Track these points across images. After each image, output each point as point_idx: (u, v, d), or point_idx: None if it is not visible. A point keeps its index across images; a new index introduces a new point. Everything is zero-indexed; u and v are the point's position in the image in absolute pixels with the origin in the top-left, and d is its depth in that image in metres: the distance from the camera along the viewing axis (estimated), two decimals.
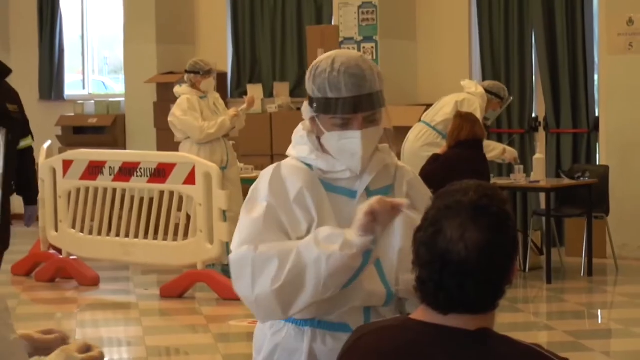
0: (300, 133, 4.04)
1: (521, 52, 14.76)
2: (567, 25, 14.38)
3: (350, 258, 3.69)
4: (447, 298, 2.98)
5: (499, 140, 14.53)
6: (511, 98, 13.15)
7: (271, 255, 3.75)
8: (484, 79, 14.72)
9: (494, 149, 11.87)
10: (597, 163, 13.97)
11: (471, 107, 12.08)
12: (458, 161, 10.79)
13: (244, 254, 3.80)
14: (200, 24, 16.97)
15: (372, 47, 14.98)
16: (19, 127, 8.71)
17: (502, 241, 2.99)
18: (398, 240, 3.87)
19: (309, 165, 4.00)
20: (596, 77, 14.40)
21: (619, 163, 13.44)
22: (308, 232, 3.88)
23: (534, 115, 14.83)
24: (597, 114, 14.28)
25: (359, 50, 14.90)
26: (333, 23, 15.58)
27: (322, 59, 3.98)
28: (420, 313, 3.07)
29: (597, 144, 14.23)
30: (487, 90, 12.60)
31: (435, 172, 10.50)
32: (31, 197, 9.10)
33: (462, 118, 11.55)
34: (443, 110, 12.42)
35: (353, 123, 3.90)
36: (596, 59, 14.38)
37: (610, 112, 13.87)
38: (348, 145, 3.93)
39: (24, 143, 8.74)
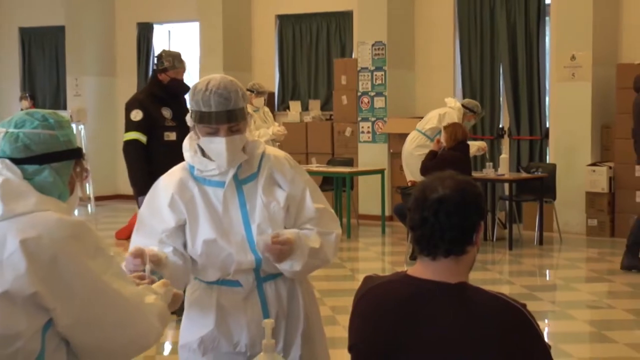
0: (186, 142, 4.04)
1: (492, 79, 14.72)
2: (526, 59, 14.32)
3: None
4: (433, 242, 2.99)
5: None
6: (483, 112, 13.12)
7: None
8: (463, 97, 14.71)
9: (471, 147, 11.84)
10: (547, 162, 13.92)
11: (451, 119, 12.02)
12: (450, 159, 10.79)
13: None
14: (255, 56, 16.96)
15: (382, 75, 14.93)
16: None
17: (467, 188, 3.03)
18: (255, 219, 3.89)
19: (192, 167, 4.03)
20: (547, 98, 14.33)
21: (563, 162, 13.40)
22: (180, 227, 3.94)
23: (500, 125, 14.76)
24: (547, 125, 14.23)
25: (371, 77, 14.95)
26: (353, 56, 15.55)
27: (200, 81, 3.94)
28: (416, 270, 3.07)
29: (547, 147, 14.18)
30: (464, 106, 12.54)
31: (433, 166, 10.54)
32: None
33: (450, 126, 11.60)
34: (430, 120, 12.41)
35: (220, 131, 3.86)
36: (547, 85, 14.32)
37: (557, 124, 13.82)
38: (216, 149, 3.90)
39: None
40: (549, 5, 14.19)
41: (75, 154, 3.08)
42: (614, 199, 12.99)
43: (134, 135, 8.25)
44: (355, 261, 12.39)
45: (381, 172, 14.12)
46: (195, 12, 16.96)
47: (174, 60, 8.35)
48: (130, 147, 8.30)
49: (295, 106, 15.72)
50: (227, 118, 3.86)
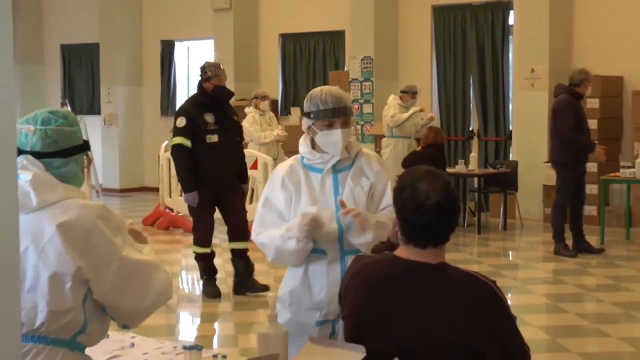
0: (301, 139, 4.23)
1: (463, 88, 14.73)
2: (493, 72, 14.34)
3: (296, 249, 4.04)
4: (425, 235, 3.03)
5: (449, 144, 14.54)
6: (415, 88, 13.36)
7: (264, 243, 4.12)
8: (439, 105, 14.79)
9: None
10: (510, 159, 13.93)
11: (388, 108, 13.08)
12: (428, 156, 11.10)
13: (254, 240, 4.22)
14: (261, 68, 16.97)
15: (370, 85, 14.95)
16: (241, 132, 8.90)
17: (452, 192, 3.07)
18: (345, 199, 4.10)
19: (303, 157, 4.23)
20: (510, 105, 14.34)
21: (524, 159, 13.43)
22: (291, 201, 4.17)
23: (470, 128, 14.77)
24: (510, 128, 14.24)
25: (361, 87, 14.98)
26: (345, 69, 15.54)
27: (314, 90, 4.21)
28: (403, 252, 3.09)
29: (510, 147, 14.21)
30: (401, 91, 13.26)
31: (413, 162, 10.83)
32: (245, 179, 8.78)
33: (430, 129, 11.86)
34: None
35: (336, 124, 4.08)
36: (510, 94, 14.34)
37: (519, 127, 13.84)
38: (333, 140, 4.10)
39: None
40: (512, 26, 14.21)
41: (87, 147, 3.11)
42: None
43: (178, 140, 8.21)
44: None
45: None
46: (210, 31, 16.98)
47: (215, 69, 8.36)
48: (176, 151, 8.28)
49: (295, 111, 15.70)
50: (343, 113, 4.11)
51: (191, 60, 18.30)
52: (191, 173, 8.07)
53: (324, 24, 16.09)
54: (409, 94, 13.09)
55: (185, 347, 3.14)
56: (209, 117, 8.22)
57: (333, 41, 16.16)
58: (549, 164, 13.08)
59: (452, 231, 3.07)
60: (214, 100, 8.31)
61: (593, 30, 13.56)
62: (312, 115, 4.11)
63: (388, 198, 4.12)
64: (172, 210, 13.15)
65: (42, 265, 2.85)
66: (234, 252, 8.60)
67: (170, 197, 13.11)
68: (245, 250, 8.54)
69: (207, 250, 8.58)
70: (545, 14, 13.42)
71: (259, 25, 17.01)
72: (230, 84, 16.60)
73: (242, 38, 16.77)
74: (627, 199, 12.21)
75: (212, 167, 8.17)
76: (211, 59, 16.91)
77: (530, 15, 13.62)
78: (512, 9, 14.17)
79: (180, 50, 18.28)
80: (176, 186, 13.08)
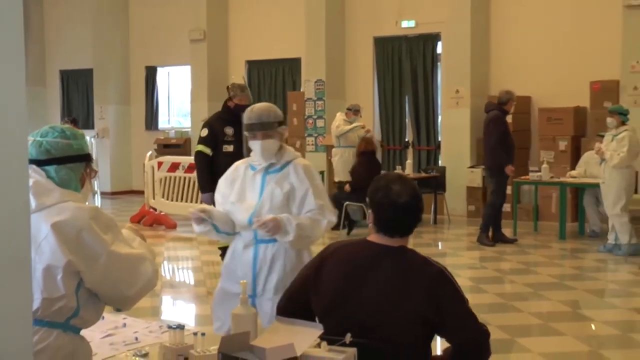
0: None
1: (400, 105, 14.78)
2: (425, 92, 14.42)
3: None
4: (395, 227, 3.11)
5: (389, 153, 14.59)
6: (358, 107, 13.16)
7: None
8: (380, 121, 14.83)
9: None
10: (439, 165, 14.01)
11: (336, 123, 12.92)
12: (365, 162, 11.21)
13: None
14: None
15: (322, 103, 14.94)
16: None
17: (419, 194, 3.18)
18: (262, 196, 4.29)
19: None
20: (439, 119, 14.42)
21: (451, 165, 13.50)
22: (229, 191, 4.39)
23: (406, 139, 14.83)
24: (439, 139, 14.33)
25: (314, 105, 14.97)
26: (302, 90, 15.54)
27: (250, 108, 4.39)
28: (374, 238, 3.15)
29: (439, 155, 14.29)
30: (347, 109, 13.12)
31: (356, 167, 11.10)
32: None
33: (362, 139, 11.94)
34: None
35: (257, 136, 4.29)
36: (439, 110, 14.42)
37: (446, 138, 13.92)
38: (255, 147, 4.32)
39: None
40: (440, 54, 14.30)
41: (85, 158, 3.07)
42: (486, 191, 13.11)
43: (199, 147, 8.04)
44: None
45: (322, 172, 14.12)
46: (188, 59, 16.91)
47: (237, 90, 8.13)
48: (197, 157, 8.10)
49: None
50: (260, 127, 4.27)
51: (171, 83, 18.20)
52: (208, 176, 7.90)
53: (283, 52, 16.07)
54: (352, 111, 13.09)
55: (169, 327, 3.11)
56: (229, 130, 8.00)
57: (291, 67, 16.12)
58: (472, 169, 13.22)
59: (417, 225, 3.17)
60: (234, 116, 8.07)
61: (506, 58, 13.69)
62: (245, 128, 4.37)
63: (310, 203, 4.23)
64: (155, 209, 13.06)
65: (38, 259, 2.82)
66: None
67: (154, 198, 13.03)
68: None
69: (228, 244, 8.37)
70: (467, 44, 13.54)
71: (229, 54, 16.96)
72: (203, 104, 16.70)
73: (214, 64, 16.69)
74: (535, 197, 12.34)
75: None
76: (189, 82, 16.91)
77: (455, 45, 13.72)
78: (439, 40, 14.27)
79: (162, 74, 18.13)
80: (159, 189, 13.00)
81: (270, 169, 4.31)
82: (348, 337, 2.85)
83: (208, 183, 8.00)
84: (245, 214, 4.23)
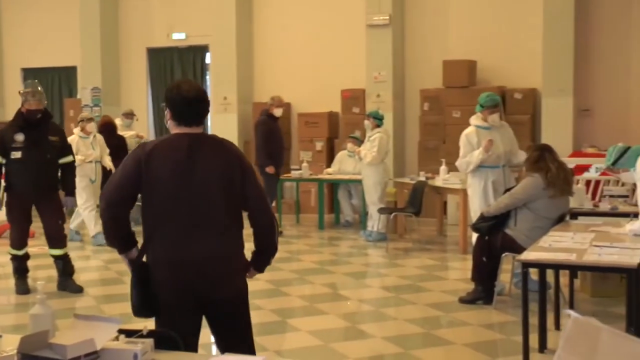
0: None
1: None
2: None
3: None
4: (191, 117, 3.45)
5: None
6: (135, 113, 12.81)
7: None
8: (154, 126, 14.56)
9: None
10: None
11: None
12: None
13: None
14: (6, 98, 15.90)
15: (99, 109, 14.40)
16: (58, 150, 7.51)
17: (204, 89, 3.58)
18: None
19: None
20: (209, 124, 14.42)
21: None
22: None
23: None
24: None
25: (91, 111, 14.45)
26: (78, 97, 14.90)
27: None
28: (179, 130, 3.46)
29: None
30: (122, 114, 12.60)
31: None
32: (71, 191, 7.65)
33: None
34: None
35: None
36: (210, 116, 14.40)
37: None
38: None
39: (64, 160, 7.56)
40: (208, 64, 14.33)
41: None
42: None
43: None
44: None
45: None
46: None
47: (28, 96, 7.35)
48: None
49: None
50: None
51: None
52: None
53: (59, 60, 15.41)
54: (127, 116, 12.77)
55: None
56: (19, 137, 7.36)
57: (67, 74, 15.49)
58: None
59: (206, 115, 3.50)
60: (26, 122, 7.40)
61: (268, 69, 14.00)
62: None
63: None
64: None
65: None
66: (53, 257, 7.84)
67: None
68: (62, 256, 7.74)
69: (20, 252, 7.78)
70: (233, 56, 13.70)
71: (3, 61, 16.00)
72: None
73: None
74: (297, 192, 12.69)
75: (19, 180, 7.47)
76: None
77: (221, 56, 13.82)
78: (208, 51, 14.29)
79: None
80: None
81: None
82: (146, 329, 2.82)
83: None
84: None
